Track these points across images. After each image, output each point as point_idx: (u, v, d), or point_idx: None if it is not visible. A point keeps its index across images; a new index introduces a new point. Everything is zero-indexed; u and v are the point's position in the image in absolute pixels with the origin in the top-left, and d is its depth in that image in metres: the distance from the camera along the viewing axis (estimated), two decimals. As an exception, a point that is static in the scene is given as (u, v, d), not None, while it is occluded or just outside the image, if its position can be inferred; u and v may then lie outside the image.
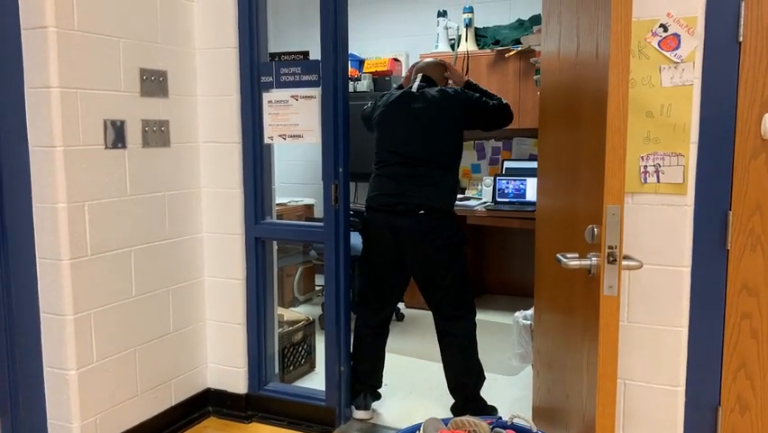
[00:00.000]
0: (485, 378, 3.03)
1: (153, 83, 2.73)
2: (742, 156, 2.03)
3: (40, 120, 2.36)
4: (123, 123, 2.60)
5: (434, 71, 3.17)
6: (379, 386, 3.17)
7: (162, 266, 2.84)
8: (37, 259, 2.44)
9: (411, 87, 3.07)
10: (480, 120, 3.06)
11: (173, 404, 2.94)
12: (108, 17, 2.51)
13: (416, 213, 2.87)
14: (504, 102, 3.10)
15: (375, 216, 2.98)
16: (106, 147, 2.54)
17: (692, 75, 2.03)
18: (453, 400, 3.04)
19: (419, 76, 3.11)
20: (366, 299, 3.09)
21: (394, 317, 4.63)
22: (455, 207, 3.06)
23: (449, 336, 2.99)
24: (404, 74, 5.45)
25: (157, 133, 2.76)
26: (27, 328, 2.49)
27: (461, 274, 2.95)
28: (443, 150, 2.96)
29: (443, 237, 2.89)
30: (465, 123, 3.00)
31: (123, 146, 2.61)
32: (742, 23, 1.98)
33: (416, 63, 3.29)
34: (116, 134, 2.57)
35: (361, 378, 3.08)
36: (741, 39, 1.99)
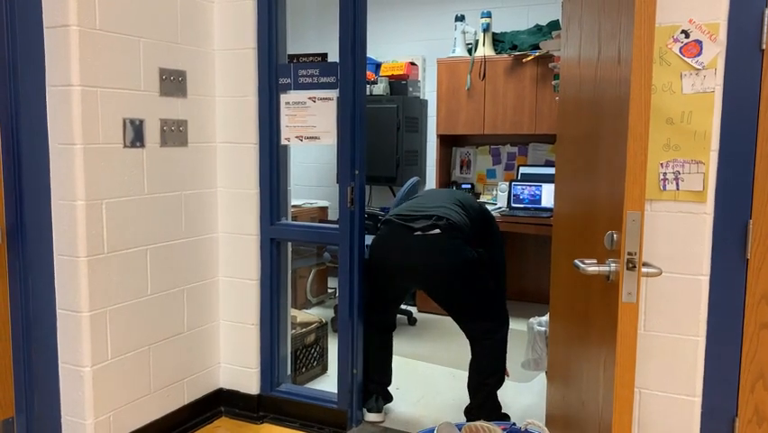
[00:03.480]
0: (504, 382, 3.03)
1: (172, 83, 2.75)
2: (763, 165, 2.00)
3: (60, 118, 2.38)
4: (142, 122, 2.62)
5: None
6: (389, 383, 3.17)
7: (178, 265, 2.85)
8: (54, 256, 2.47)
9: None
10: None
11: (185, 403, 2.95)
12: (129, 17, 2.53)
13: (431, 229, 2.86)
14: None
15: (391, 229, 2.99)
16: (125, 146, 2.56)
17: (714, 82, 2.01)
18: (468, 402, 3.03)
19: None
20: (371, 302, 3.10)
21: (407, 321, 4.64)
22: None
23: (477, 341, 2.99)
24: (420, 78, 5.48)
25: (175, 133, 2.78)
26: (43, 324, 2.51)
27: (483, 290, 2.93)
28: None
29: (458, 259, 2.86)
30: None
31: (142, 145, 2.63)
32: (765, 30, 1.96)
33: None
34: (135, 133, 2.59)
35: (373, 378, 3.08)
36: (764, 46, 1.97)
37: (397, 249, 2.93)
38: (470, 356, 3.01)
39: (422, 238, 2.87)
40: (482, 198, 5.16)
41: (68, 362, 2.50)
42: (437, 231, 2.85)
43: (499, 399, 3.02)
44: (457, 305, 2.94)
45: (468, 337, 3.00)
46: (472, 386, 3.01)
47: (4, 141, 2.41)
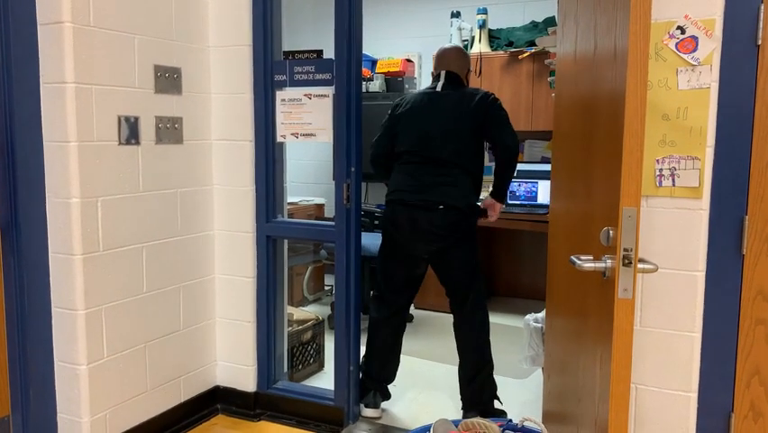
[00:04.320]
0: (493, 366, 3.03)
1: (167, 80, 2.74)
2: (759, 160, 2.01)
3: (54, 115, 2.37)
4: (136, 119, 2.61)
5: (456, 64, 3.11)
6: (391, 381, 3.16)
7: (173, 263, 2.84)
8: (50, 253, 2.46)
9: (435, 87, 3.07)
10: (493, 134, 3.00)
11: (182, 401, 2.94)
12: (124, 14, 2.52)
13: (436, 207, 2.88)
14: (516, 147, 3.07)
15: (394, 209, 2.97)
16: (120, 143, 2.55)
17: (710, 78, 2.01)
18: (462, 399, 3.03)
19: (443, 73, 3.08)
20: (380, 292, 3.09)
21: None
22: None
23: (463, 324, 3.00)
24: (416, 75, 5.47)
25: (170, 130, 2.77)
26: (39, 323, 2.50)
27: (476, 266, 3.00)
28: (464, 153, 2.95)
29: (460, 232, 2.92)
30: (482, 129, 2.98)
31: (137, 142, 2.62)
32: (761, 25, 1.96)
33: (439, 51, 3.19)
34: (130, 131, 2.58)
35: (373, 373, 3.08)
36: (760, 42, 1.97)
37: (405, 218, 2.95)
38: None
39: (426, 210, 2.91)
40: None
41: (64, 360, 2.49)
42: (441, 207, 2.89)
43: (496, 396, 3.02)
44: (456, 268, 2.98)
45: (456, 312, 3.01)
46: (467, 369, 2.99)
47: (-1, 138, 2.40)
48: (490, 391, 2.98)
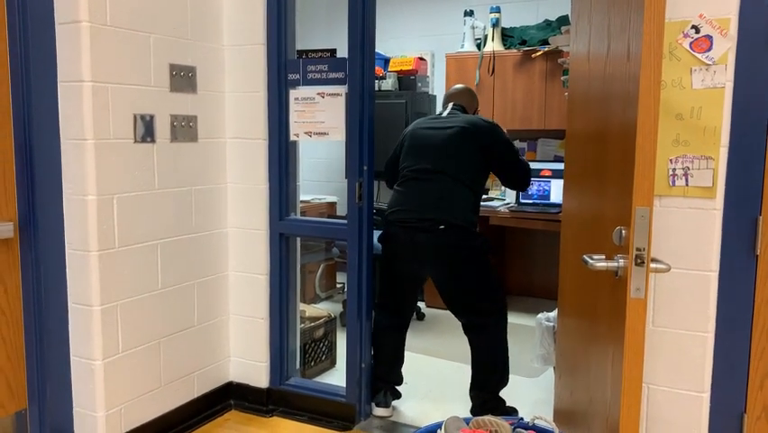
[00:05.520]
0: (508, 381, 3.02)
1: (183, 78, 2.76)
2: (774, 160, 2.00)
3: (71, 113, 2.40)
4: (152, 117, 2.63)
5: (464, 99, 3.21)
6: (400, 383, 3.18)
7: (188, 260, 2.87)
8: (66, 250, 2.49)
9: (442, 114, 3.12)
10: (500, 166, 3.03)
11: (195, 396, 2.97)
12: (139, 13, 2.55)
13: (436, 228, 2.85)
14: (529, 167, 3.11)
15: (395, 230, 2.97)
16: (136, 141, 2.57)
17: (724, 77, 2.00)
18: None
19: (450, 105, 3.15)
20: (384, 301, 3.10)
21: (415, 316, 4.65)
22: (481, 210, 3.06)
23: (473, 346, 2.99)
24: (429, 73, 5.48)
25: (185, 128, 2.79)
26: (55, 318, 2.54)
27: (486, 281, 2.93)
28: (465, 169, 2.93)
29: (464, 251, 2.88)
30: (487, 157, 2.97)
31: (152, 140, 2.65)
32: (776, 25, 1.95)
33: (449, 90, 3.32)
34: (146, 129, 2.61)
35: (381, 376, 3.09)
36: (775, 41, 1.96)
37: (406, 241, 2.93)
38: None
39: (427, 233, 2.88)
40: (491, 194, 5.15)
41: (80, 355, 2.52)
42: (441, 227, 2.86)
43: (507, 393, 3.02)
44: (457, 290, 2.93)
45: (466, 331, 3.00)
46: (475, 386, 3.00)
47: (17, 136, 2.43)
48: (494, 406, 2.98)
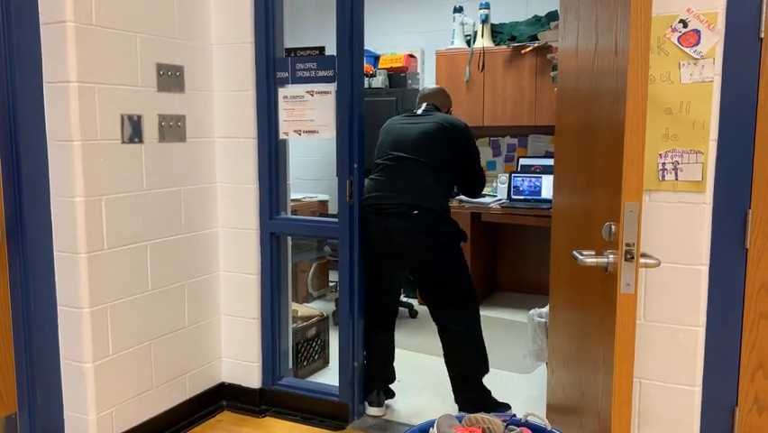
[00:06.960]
0: (488, 369, 3.03)
1: (170, 78, 2.74)
2: (763, 154, 2.00)
3: (58, 114, 2.38)
4: (140, 117, 2.61)
5: (438, 99, 3.26)
6: (392, 381, 3.18)
7: (178, 260, 2.85)
8: (54, 252, 2.47)
9: (416, 112, 3.17)
10: (463, 168, 3.07)
11: (188, 398, 2.96)
12: (126, 12, 2.53)
13: (410, 213, 2.87)
14: (483, 179, 3.18)
15: (368, 217, 2.95)
16: (123, 141, 2.55)
17: (712, 71, 2.00)
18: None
19: (424, 104, 3.21)
20: (369, 297, 3.09)
21: (407, 313, 4.65)
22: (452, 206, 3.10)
23: (446, 334, 3.00)
24: (419, 70, 5.47)
25: (173, 128, 2.78)
26: (44, 321, 2.52)
27: (458, 272, 2.96)
28: (440, 159, 2.97)
29: (438, 237, 2.90)
30: (457, 156, 3.02)
31: (140, 141, 2.63)
32: (764, 18, 1.95)
33: (422, 90, 3.38)
34: (133, 129, 2.59)
35: (374, 374, 3.09)
36: (763, 35, 1.96)
37: (379, 228, 2.93)
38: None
39: (401, 218, 2.90)
40: (484, 191, 5.14)
41: (70, 358, 2.50)
42: (415, 212, 2.88)
43: (500, 390, 3.02)
44: (434, 277, 2.95)
45: (438, 324, 3.01)
46: (454, 382, 3.01)
47: (3, 138, 2.41)
48: (480, 395, 2.99)
